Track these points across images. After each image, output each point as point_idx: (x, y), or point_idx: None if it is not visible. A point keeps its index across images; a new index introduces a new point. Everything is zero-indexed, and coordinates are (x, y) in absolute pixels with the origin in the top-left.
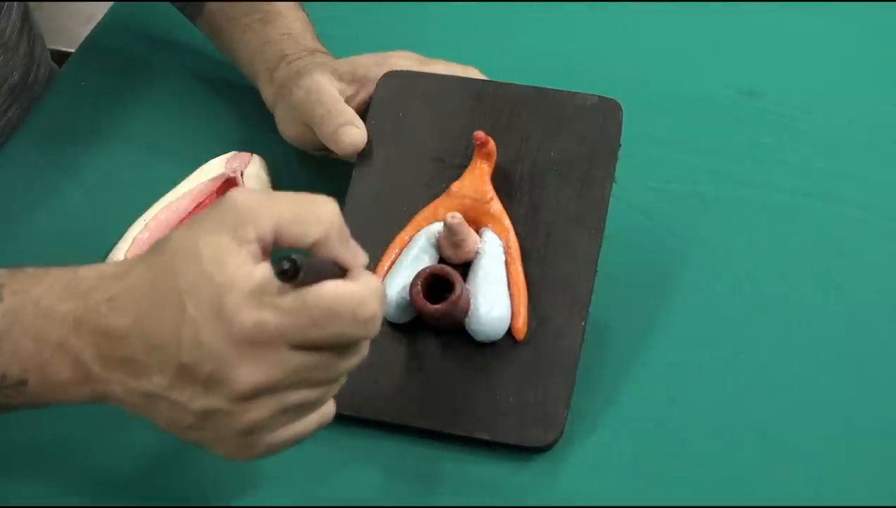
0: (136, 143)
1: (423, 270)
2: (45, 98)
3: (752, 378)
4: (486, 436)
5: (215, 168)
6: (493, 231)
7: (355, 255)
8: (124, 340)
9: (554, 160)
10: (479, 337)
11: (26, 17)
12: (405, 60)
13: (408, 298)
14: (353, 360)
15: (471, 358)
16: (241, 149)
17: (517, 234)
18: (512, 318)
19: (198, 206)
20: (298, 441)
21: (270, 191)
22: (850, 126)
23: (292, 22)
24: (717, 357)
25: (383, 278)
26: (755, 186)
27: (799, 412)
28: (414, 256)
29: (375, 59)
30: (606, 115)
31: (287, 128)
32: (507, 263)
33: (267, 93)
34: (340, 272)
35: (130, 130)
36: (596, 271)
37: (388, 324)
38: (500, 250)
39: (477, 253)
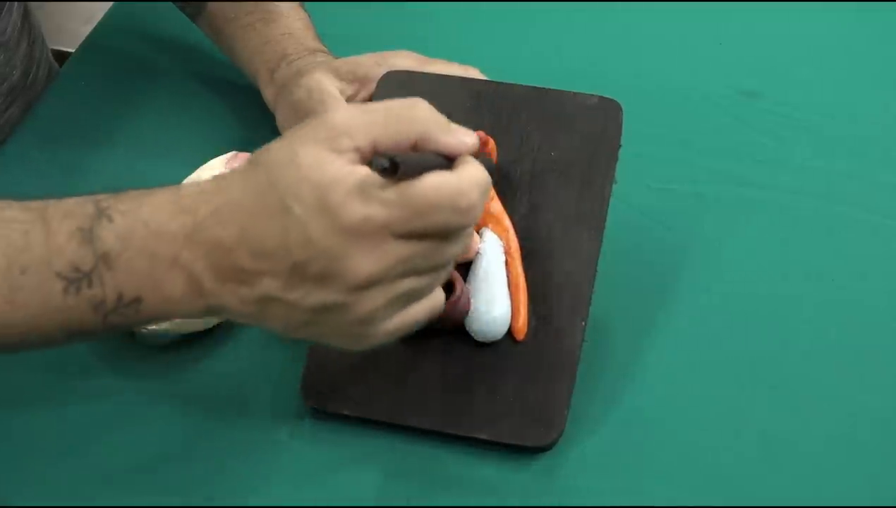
0: (137, 143)
1: None
2: (45, 98)
3: (752, 378)
4: (486, 436)
5: (215, 168)
6: (493, 231)
7: (460, 142)
8: (233, 251)
9: (554, 160)
10: (479, 337)
11: (27, 17)
12: (405, 60)
13: None
14: (456, 248)
15: (471, 358)
16: (241, 149)
17: (517, 234)
18: (512, 318)
19: None
20: (409, 328)
21: (366, 104)
22: (849, 126)
23: (293, 22)
24: (717, 357)
25: None
26: (755, 186)
27: (799, 412)
28: None
29: (376, 59)
30: (607, 115)
31: (288, 127)
32: (507, 263)
33: (268, 93)
34: (448, 161)
35: (130, 130)
36: (596, 271)
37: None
38: (500, 250)
39: (477, 253)
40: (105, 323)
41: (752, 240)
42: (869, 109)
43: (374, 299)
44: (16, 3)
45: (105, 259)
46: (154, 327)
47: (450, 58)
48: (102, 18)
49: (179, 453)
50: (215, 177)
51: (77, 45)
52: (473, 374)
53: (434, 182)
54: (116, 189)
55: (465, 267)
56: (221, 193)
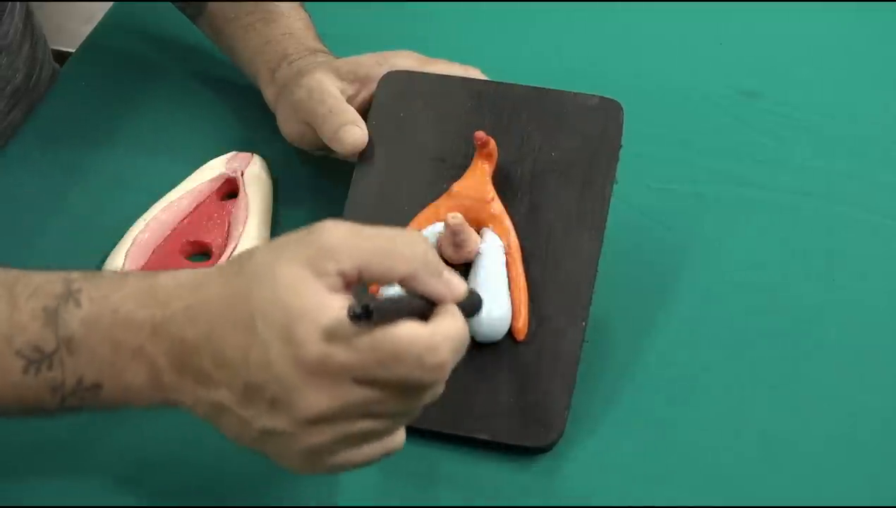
0: (137, 143)
1: None
2: (46, 98)
3: (752, 378)
4: (486, 436)
5: (215, 168)
6: (493, 231)
7: (449, 289)
8: (196, 352)
9: (555, 160)
10: (480, 338)
11: (29, 19)
12: (406, 60)
13: None
14: (423, 400)
15: (471, 359)
16: (241, 149)
17: (518, 234)
18: (512, 319)
19: (198, 206)
20: (360, 466)
21: (360, 227)
22: (849, 125)
23: (294, 22)
24: (717, 357)
25: None
26: (755, 186)
27: (799, 412)
28: None
29: (377, 59)
30: (607, 116)
31: (288, 127)
32: (507, 264)
33: (268, 93)
34: (430, 306)
35: (131, 130)
36: (596, 271)
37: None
38: (501, 250)
39: (478, 253)
40: (62, 405)
41: (752, 240)
42: (869, 109)
43: (323, 435)
44: (17, 5)
45: (68, 343)
46: None
47: (450, 58)
48: (102, 18)
49: (179, 453)
50: (195, 272)
51: (77, 45)
52: (473, 374)
53: (405, 333)
54: (117, 188)
55: (466, 268)
56: (197, 291)
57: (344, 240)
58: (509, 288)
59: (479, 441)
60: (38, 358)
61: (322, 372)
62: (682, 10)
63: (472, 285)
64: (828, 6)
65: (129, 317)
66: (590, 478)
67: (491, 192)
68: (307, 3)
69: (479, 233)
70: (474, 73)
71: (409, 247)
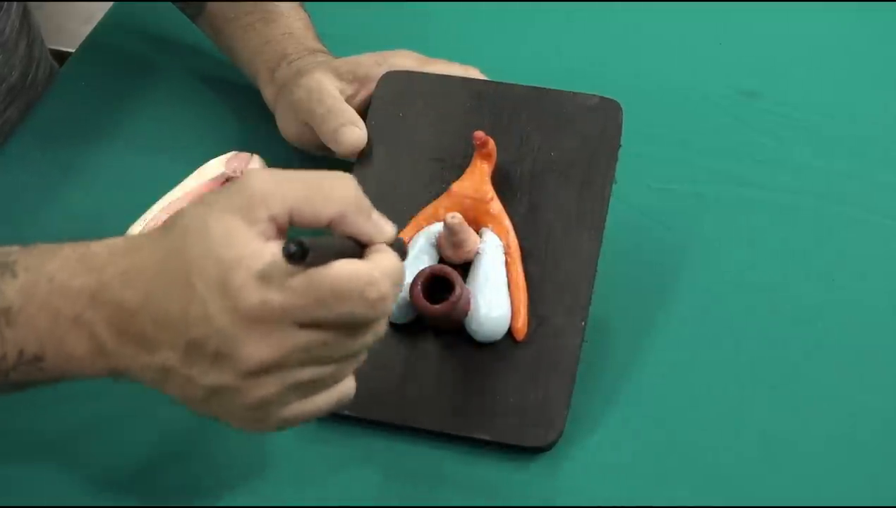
0: (136, 143)
1: (423, 270)
2: (45, 98)
3: (752, 377)
4: (486, 436)
5: (215, 168)
6: (493, 231)
7: (379, 230)
8: (135, 315)
9: (554, 160)
10: (479, 338)
11: (26, 17)
12: (405, 60)
13: (408, 298)
14: (367, 339)
15: (471, 359)
16: (241, 149)
17: (517, 234)
18: (512, 319)
19: None
20: (314, 416)
21: (287, 171)
22: (849, 126)
23: (293, 22)
24: (717, 357)
25: None
26: (755, 186)
27: (799, 412)
28: (414, 256)
29: (376, 59)
30: (607, 116)
31: (287, 127)
32: (507, 263)
33: (267, 93)
34: (361, 249)
35: (130, 130)
36: (596, 271)
37: (388, 324)
38: (500, 250)
39: (477, 253)
40: (7, 379)
41: (752, 240)
42: (869, 109)
43: (268, 386)
44: (14, 4)
45: (6, 314)
46: None
47: (450, 58)
48: (102, 18)
49: (179, 453)
50: (128, 237)
51: (77, 45)
52: (473, 374)
53: (342, 270)
54: (116, 188)
55: (466, 268)
56: (131, 254)
57: (273, 185)
58: (508, 288)
59: (479, 441)
60: None
61: (262, 318)
62: (682, 10)
63: (472, 285)
64: (828, 6)
65: (64, 285)
66: (589, 478)
67: (490, 192)
68: (307, 3)
69: (478, 233)
70: (474, 73)
71: (338, 189)
